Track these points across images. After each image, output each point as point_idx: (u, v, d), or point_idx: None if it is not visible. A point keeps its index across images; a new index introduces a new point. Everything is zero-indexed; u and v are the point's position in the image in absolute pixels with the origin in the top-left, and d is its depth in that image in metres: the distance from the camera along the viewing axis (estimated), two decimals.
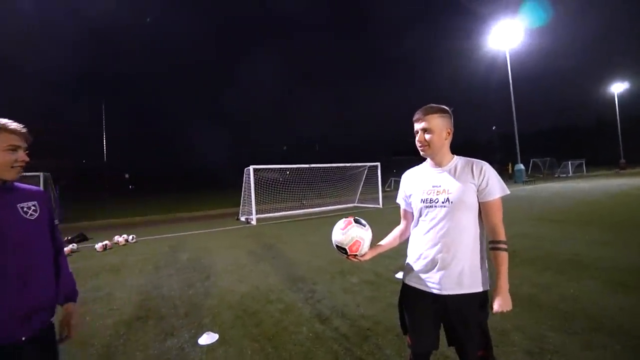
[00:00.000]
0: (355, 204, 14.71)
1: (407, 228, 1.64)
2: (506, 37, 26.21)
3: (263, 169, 12.29)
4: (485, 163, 1.41)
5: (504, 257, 1.34)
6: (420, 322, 1.45)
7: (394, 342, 2.48)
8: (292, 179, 14.05)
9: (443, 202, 1.39)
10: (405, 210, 1.65)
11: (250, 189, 11.18)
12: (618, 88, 42.99)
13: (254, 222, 10.44)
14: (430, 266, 1.41)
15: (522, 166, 25.64)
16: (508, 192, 1.40)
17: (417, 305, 1.47)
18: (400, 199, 1.66)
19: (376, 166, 14.70)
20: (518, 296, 3.18)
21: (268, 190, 12.76)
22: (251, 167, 11.33)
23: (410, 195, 1.55)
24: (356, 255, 1.50)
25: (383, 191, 14.66)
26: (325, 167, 14.34)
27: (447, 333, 1.44)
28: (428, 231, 1.43)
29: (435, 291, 1.39)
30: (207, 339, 2.72)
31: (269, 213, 12.04)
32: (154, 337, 2.83)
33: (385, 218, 9.62)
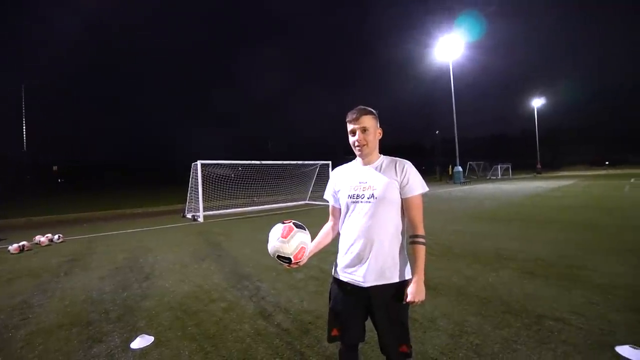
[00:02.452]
0: (307, 201, 14.83)
1: (335, 225, 1.67)
2: (449, 50, 28.43)
3: (212, 164, 11.79)
4: (408, 162, 1.50)
5: (421, 250, 1.43)
6: (347, 314, 1.50)
7: None
8: (244, 175, 13.70)
9: (368, 198, 1.44)
10: (333, 207, 1.67)
11: (197, 185, 10.67)
12: (537, 103, 49.91)
13: (200, 220, 10.00)
14: (356, 260, 1.46)
15: (460, 168, 28.06)
16: (427, 189, 1.49)
17: (344, 297, 1.51)
18: (328, 195, 1.68)
19: (327, 164, 14.97)
20: (448, 287, 3.50)
21: (218, 186, 12.28)
22: (199, 162, 10.81)
23: (338, 191, 1.58)
24: (298, 262, 1.44)
25: None
26: (276, 164, 14.21)
27: (373, 325, 1.49)
28: (354, 226, 1.48)
29: (360, 284, 1.45)
30: (141, 342, 2.56)
31: (218, 210, 11.61)
32: (77, 344, 2.59)
33: None
